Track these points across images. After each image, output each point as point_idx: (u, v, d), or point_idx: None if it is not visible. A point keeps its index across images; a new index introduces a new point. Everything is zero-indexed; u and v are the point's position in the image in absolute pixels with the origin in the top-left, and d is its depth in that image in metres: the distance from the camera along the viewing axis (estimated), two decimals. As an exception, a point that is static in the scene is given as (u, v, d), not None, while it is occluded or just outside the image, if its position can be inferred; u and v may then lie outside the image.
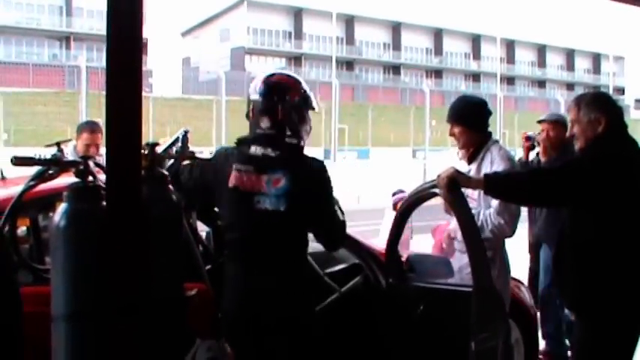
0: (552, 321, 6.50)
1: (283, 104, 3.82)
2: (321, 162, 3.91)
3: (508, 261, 4.98)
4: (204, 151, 4.02)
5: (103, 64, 3.06)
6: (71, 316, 3.03)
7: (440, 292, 4.48)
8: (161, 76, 58.11)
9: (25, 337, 3.49)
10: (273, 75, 3.94)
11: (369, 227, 4.82)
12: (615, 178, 3.89)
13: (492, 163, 4.81)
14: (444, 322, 4.29)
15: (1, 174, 4.67)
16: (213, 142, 28.97)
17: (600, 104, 4.10)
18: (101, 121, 6.99)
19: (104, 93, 3.03)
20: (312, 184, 3.82)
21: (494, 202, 4.65)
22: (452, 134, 5.01)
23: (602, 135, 4.01)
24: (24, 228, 4.20)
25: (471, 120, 4.99)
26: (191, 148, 3.81)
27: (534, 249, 6.91)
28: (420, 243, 7.59)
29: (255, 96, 3.87)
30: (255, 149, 3.81)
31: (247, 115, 3.92)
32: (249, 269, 3.81)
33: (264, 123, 3.82)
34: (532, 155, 6.87)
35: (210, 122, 34.87)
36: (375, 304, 4.72)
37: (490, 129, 5.07)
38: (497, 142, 5.02)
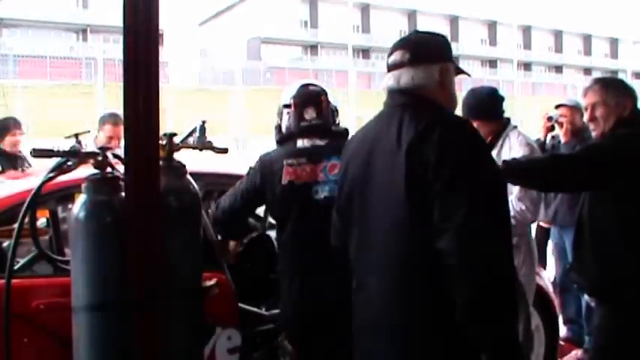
0: (572, 306, 6.48)
1: (325, 96, 3.91)
2: None
3: (534, 247, 4.96)
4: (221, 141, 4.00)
5: (120, 55, 3.06)
6: (91, 307, 3.04)
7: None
8: (178, 67, 58.17)
9: (45, 328, 3.53)
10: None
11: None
12: (632, 160, 3.84)
13: (511, 149, 4.80)
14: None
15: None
16: (229, 132, 28.96)
17: (625, 88, 4.07)
18: (119, 112, 7.03)
19: (121, 84, 3.03)
20: None
21: (515, 189, 4.63)
22: None
23: (627, 119, 3.97)
24: (43, 220, 4.22)
25: (485, 113, 4.99)
26: (208, 138, 3.81)
27: (543, 233, 6.91)
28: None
29: (289, 100, 3.94)
30: (302, 142, 3.85)
31: (279, 122, 4.02)
32: (308, 263, 3.83)
33: (309, 114, 3.86)
34: (549, 137, 6.80)
35: (227, 112, 34.89)
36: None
37: (508, 114, 5.07)
38: (515, 127, 5.00)
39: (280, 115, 4.05)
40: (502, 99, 5.09)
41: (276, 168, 3.85)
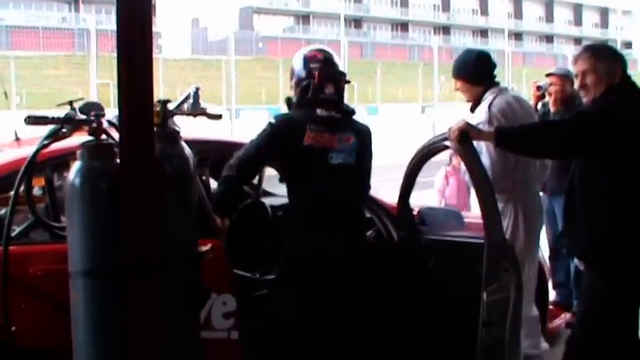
0: (562, 271, 6.52)
1: (343, 75, 4.31)
2: (368, 126, 4.41)
3: (522, 214, 4.94)
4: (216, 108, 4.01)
5: (112, 26, 3.05)
6: (88, 273, 3.05)
7: (452, 244, 4.49)
8: (170, 37, 57.90)
9: (44, 295, 3.55)
10: (319, 49, 4.39)
11: (380, 183, 4.87)
12: (628, 127, 3.87)
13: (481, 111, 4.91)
14: (456, 274, 4.31)
15: (15, 135, 4.69)
16: (223, 101, 28.87)
17: (615, 55, 4.09)
18: (111, 82, 6.96)
19: (114, 55, 3.02)
20: (368, 142, 4.31)
21: (484, 149, 4.66)
22: (457, 89, 5.17)
23: (617, 85, 3.98)
24: (38, 187, 4.22)
25: (469, 74, 5.08)
26: (202, 104, 3.81)
27: None
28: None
29: (315, 64, 4.23)
30: (320, 111, 4.16)
31: (305, 81, 4.23)
32: (322, 216, 4.15)
33: (330, 89, 4.21)
34: (539, 105, 6.80)
35: (219, 81, 34.76)
36: (387, 257, 4.73)
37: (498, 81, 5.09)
38: (497, 90, 5.00)
39: (297, 83, 4.30)
40: (492, 65, 5.14)
41: (297, 129, 4.12)
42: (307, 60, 4.27)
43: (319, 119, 4.15)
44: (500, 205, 4.73)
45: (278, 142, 4.17)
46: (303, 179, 4.20)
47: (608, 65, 4.01)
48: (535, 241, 5.15)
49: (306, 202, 4.23)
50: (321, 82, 4.21)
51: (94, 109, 5.75)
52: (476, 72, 5.07)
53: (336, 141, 4.15)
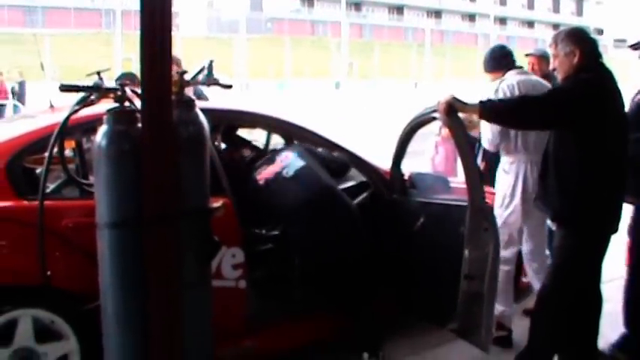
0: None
1: None
2: None
3: (521, 178, 4.89)
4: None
5: (136, 6, 3.06)
6: (112, 224, 3.08)
7: (438, 206, 4.51)
8: (188, 17, 57.55)
9: (76, 244, 3.58)
10: None
11: (378, 149, 4.93)
12: (589, 101, 3.93)
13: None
14: (441, 232, 4.33)
15: (50, 103, 4.71)
16: (234, 75, 28.80)
17: (574, 38, 4.09)
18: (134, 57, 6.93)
19: (137, 33, 3.03)
20: None
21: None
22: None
23: (577, 65, 4.01)
24: (69, 149, 4.24)
25: (484, 66, 5.24)
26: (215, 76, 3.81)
27: None
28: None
29: None
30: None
31: None
32: None
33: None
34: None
35: (231, 59, 34.59)
36: (380, 216, 4.76)
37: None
38: (511, 74, 5.01)
39: None
40: (504, 55, 5.22)
41: None
42: None
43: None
44: (507, 166, 4.80)
45: None
46: None
47: (565, 49, 4.06)
48: None
49: None
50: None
51: (129, 79, 5.79)
52: (490, 63, 5.21)
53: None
